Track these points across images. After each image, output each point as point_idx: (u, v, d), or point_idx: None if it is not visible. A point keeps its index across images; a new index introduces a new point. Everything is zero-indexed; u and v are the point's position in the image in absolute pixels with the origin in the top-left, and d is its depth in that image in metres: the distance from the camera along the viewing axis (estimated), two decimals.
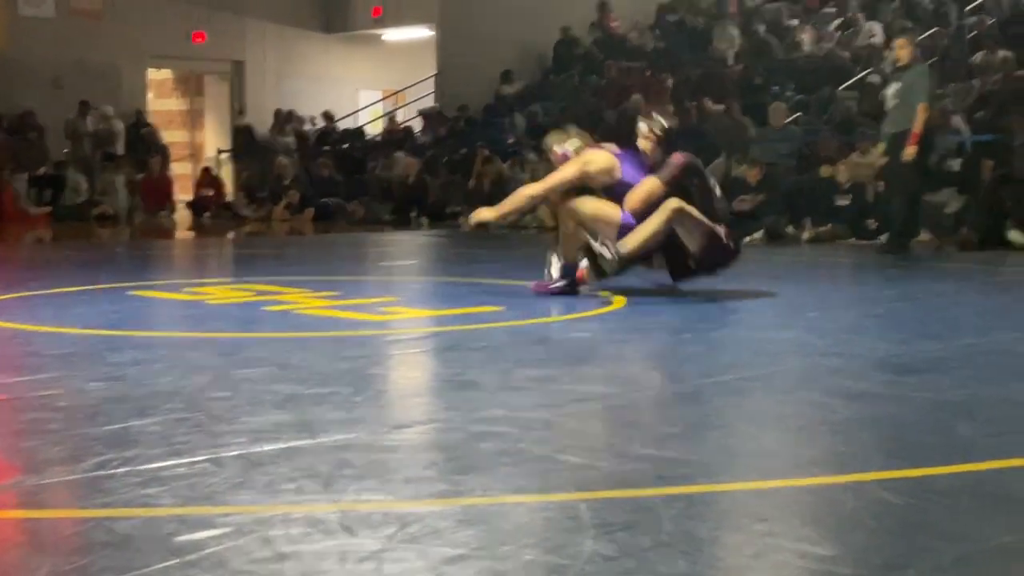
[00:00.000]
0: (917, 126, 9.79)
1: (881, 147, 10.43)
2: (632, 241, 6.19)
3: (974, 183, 11.86)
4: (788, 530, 2.38)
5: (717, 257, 6.28)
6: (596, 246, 6.29)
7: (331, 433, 3.18)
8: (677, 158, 6.43)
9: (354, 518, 2.43)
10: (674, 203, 6.18)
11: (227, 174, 19.99)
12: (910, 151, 9.81)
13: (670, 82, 17.10)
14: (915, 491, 2.64)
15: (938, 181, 12.26)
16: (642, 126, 6.70)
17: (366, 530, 2.35)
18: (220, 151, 20.73)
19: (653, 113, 7.11)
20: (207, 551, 2.21)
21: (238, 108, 20.88)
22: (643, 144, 6.62)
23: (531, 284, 6.75)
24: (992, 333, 5.18)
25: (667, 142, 6.64)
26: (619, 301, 6.31)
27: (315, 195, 17.34)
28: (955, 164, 12.41)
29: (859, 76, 15.30)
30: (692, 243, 6.19)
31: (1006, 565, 2.19)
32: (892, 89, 10.11)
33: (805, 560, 2.19)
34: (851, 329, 5.34)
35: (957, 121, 13.11)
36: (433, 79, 20.29)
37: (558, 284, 6.59)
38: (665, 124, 6.72)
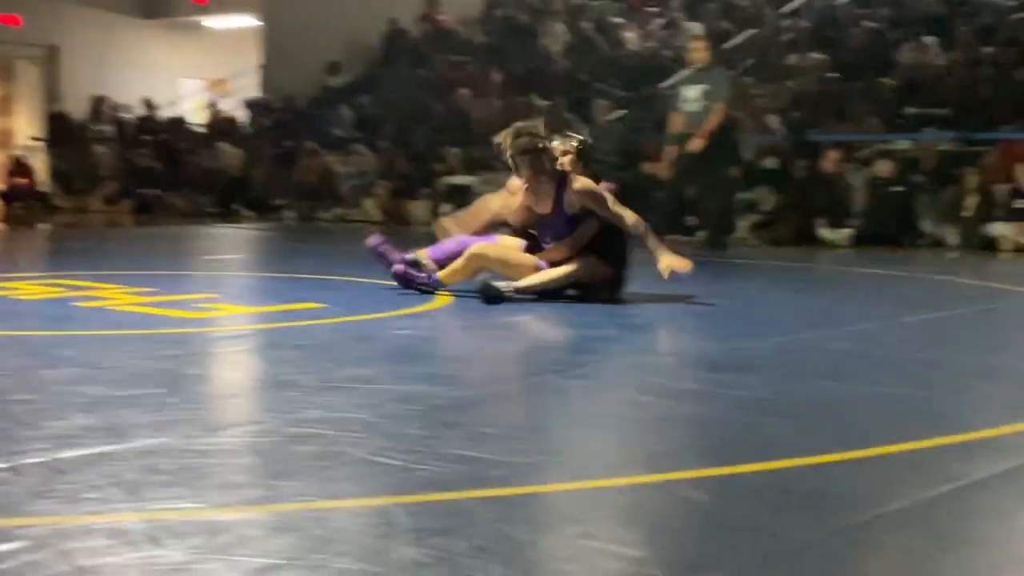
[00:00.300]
0: (711, 123, 10.05)
1: (672, 148, 10.42)
2: (528, 281, 6.10)
3: (788, 181, 12.26)
4: (602, 531, 2.40)
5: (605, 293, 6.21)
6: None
7: (141, 438, 3.08)
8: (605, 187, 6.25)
9: (161, 528, 2.35)
10: (577, 264, 6.12)
11: (40, 163, 19.25)
12: (697, 144, 10.04)
13: (497, 77, 17.19)
14: (724, 489, 2.70)
15: (753, 179, 12.64)
16: (556, 144, 6.32)
17: (173, 540, 2.28)
18: (33, 138, 19.96)
19: (566, 132, 6.68)
20: (0, 567, 2.11)
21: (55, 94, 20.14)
22: (562, 161, 6.28)
23: (397, 267, 6.48)
24: (802, 331, 5.35)
25: (586, 156, 6.37)
26: (444, 298, 6.31)
27: (134, 186, 16.86)
28: (770, 163, 12.81)
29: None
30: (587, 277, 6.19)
31: (809, 564, 2.25)
32: (694, 91, 10.24)
33: (618, 562, 2.22)
34: (668, 326, 5.44)
35: (772, 121, 13.53)
36: (258, 69, 19.95)
37: (422, 278, 6.45)
38: (581, 138, 6.47)
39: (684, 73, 10.65)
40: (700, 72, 10.33)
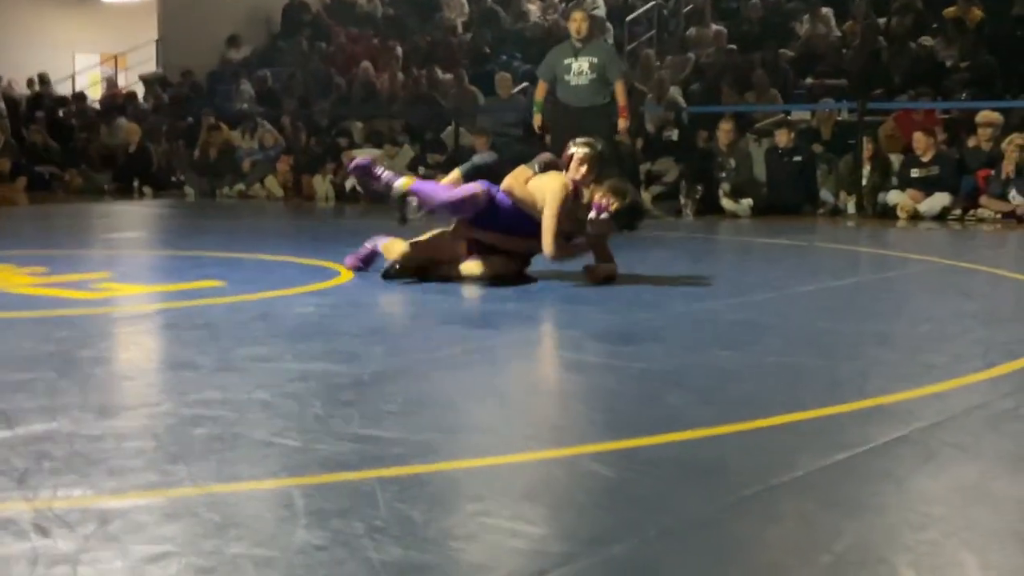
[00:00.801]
0: (624, 100, 10.00)
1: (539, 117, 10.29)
2: (467, 271, 5.99)
3: (690, 152, 12.34)
4: (502, 509, 2.38)
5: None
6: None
7: (29, 423, 3.00)
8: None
9: (49, 517, 2.29)
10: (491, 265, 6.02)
11: None
12: (624, 124, 10.03)
13: (399, 50, 17.05)
14: (625, 463, 2.70)
15: (657, 150, 12.71)
16: (573, 151, 6.08)
17: (62, 530, 2.21)
18: None
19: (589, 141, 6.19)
20: None
21: None
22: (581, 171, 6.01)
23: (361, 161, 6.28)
24: (702, 301, 5.39)
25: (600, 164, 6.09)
26: (345, 274, 6.25)
27: (28, 163, 16.45)
28: (673, 134, 12.90)
29: None
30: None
31: (710, 535, 2.26)
32: (582, 64, 10.06)
33: (517, 539, 2.20)
34: (570, 299, 5.45)
35: (674, 92, 13.61)
36: (155, 43, 19.57)
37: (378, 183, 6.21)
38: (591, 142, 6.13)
39: (564, 45, 10.39)
40: (584, 45, 10.16)
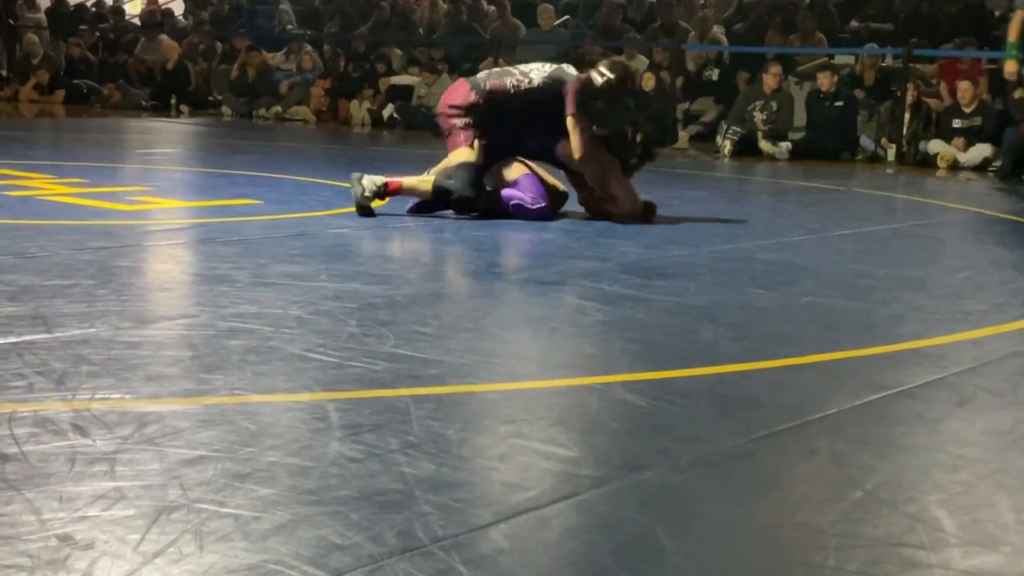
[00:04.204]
0: None
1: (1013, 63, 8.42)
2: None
3: (730, 93, 12.21)
4: (534, 431, 2.40)
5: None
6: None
7: (68, 327, 3.03)
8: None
9: (87, 417, 2.31)
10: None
11: None
12: None
13: None
14: (657, 393, 2.70)
15: (696, 90, 12.59)
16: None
17: (100, 430, 2.24)
18: None
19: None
20: None
21: None
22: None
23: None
24: (738, 241, 5.36)
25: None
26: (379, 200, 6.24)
27: (67, 76, 16.46)
28: (713, 74, 12.77)
29: None
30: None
31: (740, 467, 2.27)
32: None
33: (549, 461, 2.22)
34: (605, 234, 5.43)
35: (717, 31, 13.45)
36: None
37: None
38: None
39: None
40: None
